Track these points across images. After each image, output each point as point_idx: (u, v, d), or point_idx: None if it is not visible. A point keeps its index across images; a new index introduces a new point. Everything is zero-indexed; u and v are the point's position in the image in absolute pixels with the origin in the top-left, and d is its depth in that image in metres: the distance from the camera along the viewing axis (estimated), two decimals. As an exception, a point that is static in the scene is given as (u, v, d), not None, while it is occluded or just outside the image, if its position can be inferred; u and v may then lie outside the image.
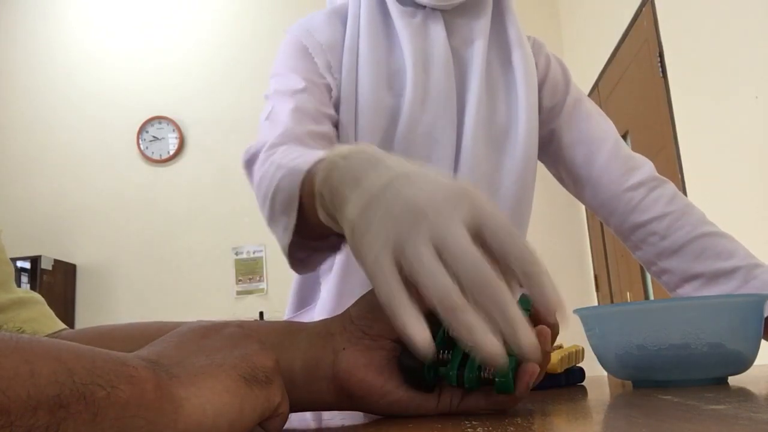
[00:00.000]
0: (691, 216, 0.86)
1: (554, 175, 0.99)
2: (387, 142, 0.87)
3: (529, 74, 0.91)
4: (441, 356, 0.39)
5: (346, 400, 0.41)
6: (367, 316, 0.41)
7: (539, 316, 0.38)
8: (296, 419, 0.45)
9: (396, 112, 0.87)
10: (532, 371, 0.37)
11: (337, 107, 0.87)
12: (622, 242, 0.93)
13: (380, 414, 0.41)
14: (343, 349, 0.40)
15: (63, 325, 0.59)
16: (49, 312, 0.59)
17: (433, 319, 0.36)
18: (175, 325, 0.44)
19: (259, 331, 0.43)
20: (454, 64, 0.89)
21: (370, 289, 0.40)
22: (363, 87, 0.85)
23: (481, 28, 0.91)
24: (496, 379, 0.37)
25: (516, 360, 0.37)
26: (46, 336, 0.50)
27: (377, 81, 0.86)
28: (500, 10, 0.95)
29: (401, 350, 0.39)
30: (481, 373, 0.38)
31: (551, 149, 0.97)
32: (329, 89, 0.86)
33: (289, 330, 0.43)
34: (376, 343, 0.40)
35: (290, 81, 0.85)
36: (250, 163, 0.78)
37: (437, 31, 0.90)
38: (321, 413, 0.55)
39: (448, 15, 0.92)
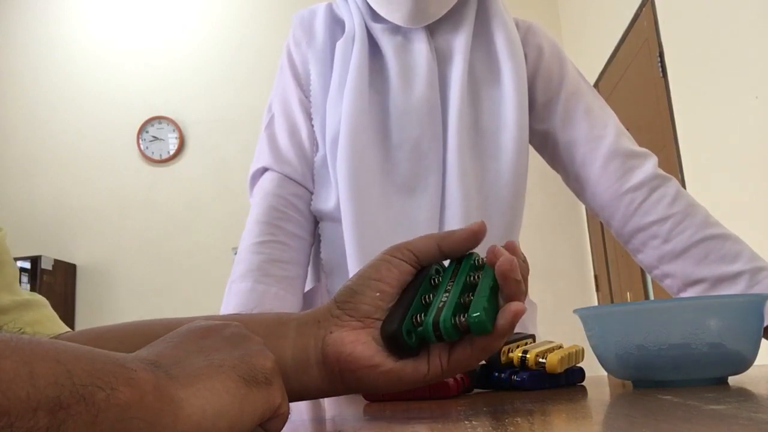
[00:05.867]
0: (694, 217, 0.83)
1: (558, 172, 0.98)
2: (377, 157, 0.87)
3: (518, 75, 0.90)
4: (417, 320, 0.41)
5: (338, 383, 0.41)
6: (352, 300, 0.42)
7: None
8: (296, 420, 0.45)
9: (384, 129, 0.89)
10: (516, 310, 0.39)
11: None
12: (623, 246, 0.91)
13: (374, 390, 0.42)
14: (330, 332, 0.41)
15: (66, 328, 0.59)
16: (53, 315, 0.59)
17: (406, 292, 0.42)
18: (174, 322, 0.44)
19: (250, 322, 0.43)
20: (438, 75, 0.90)
21: (352, 277, 0.44)
22: (347, 113, 0.87)
23: (461, 36, 0.91)
24: (471, 319, 0.39)
25: (486, 300, 0.39)
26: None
27: (359, 108, 0.87)
28: (485, 12, 0.94)
29: (383, 321, 0.41)
30: (456, 320, 0.39)
31: (548, 149, 0.96)
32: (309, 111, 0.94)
33: (280, 321, 0.44)
34: (363, 323, 0.41)
35: (286, 105, 0.95)
36: (251, 184, 0.95)
37: (420, 44, 0.90)
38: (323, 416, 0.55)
39: (430, 26, 0.91)
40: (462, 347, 0.41)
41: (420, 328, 0.40)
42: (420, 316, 0.41)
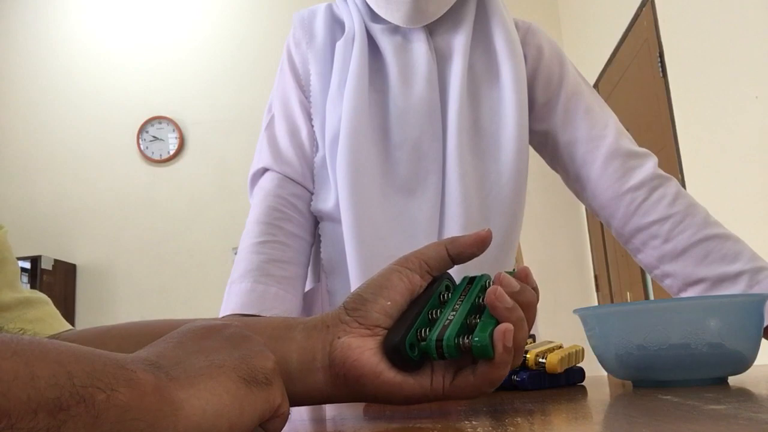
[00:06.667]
0: (694, 217, 0.83)
1: (558, 172, 0.98)
2: (377, 157, 0.87)
3: (518, 75, 0.90)
4: (421, 335, 0.41)
5: (342, 389, 0.41)
6: (362, 307, 0.42)
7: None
8: (296, 420, 0.45)
9: (384, 129, 0.89)
10: (505, 329, 0.39)
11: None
12: (623, 246, 0.91)
13: (377, 400, 0.42)
14: (339, 337, 0.41)
15: (68, 326, 0.59)
16: (55, 312, 0.59)
17: (413, 305, 0.42)
18: (175, 323, 0.44)
19: (257, 326, 0.43)
20: (438, 75, 0.90)
21: (361, 284, 0.44)
22: (347, 113, 0.87)
23: (461, 36, 0.91)
24: (474, 342, 0.38)
25: (492, 325, 0.39)
26: (50, 337, 0.51)
27: (359, 108, 0.87)
28: (485, 11, 0.94)
29: (386, 334, 0.41)
30: (459, 340, 0.39)
31: (548, 149, 0.96)
32: (308, 111, 0.95)
33: (287, 324, 0.43)
34: (371, 331, 0.41)
35: (286, 105, 0.96)
36: (251, 184, 0.95)
37: (419, 44, 0.90)
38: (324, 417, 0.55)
39: (430, 26, 0.91)
40: (465, 374, 0.41)
41: (423, 343, 0.40)
42: (425, 331, 0.41)
